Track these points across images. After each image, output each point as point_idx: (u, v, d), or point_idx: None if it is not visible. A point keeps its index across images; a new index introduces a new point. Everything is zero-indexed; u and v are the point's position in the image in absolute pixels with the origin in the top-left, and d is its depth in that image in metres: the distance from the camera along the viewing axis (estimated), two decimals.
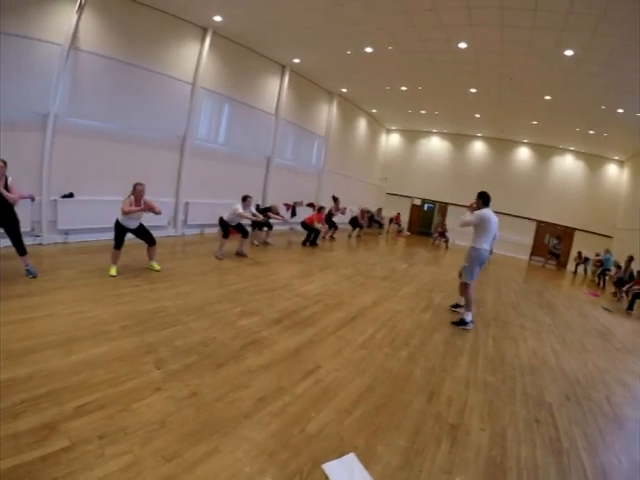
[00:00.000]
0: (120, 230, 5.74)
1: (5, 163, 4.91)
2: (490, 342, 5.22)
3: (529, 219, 17.25)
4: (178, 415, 2.73)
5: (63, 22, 6.98)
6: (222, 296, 5.39)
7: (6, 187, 4.93)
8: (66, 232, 7.49)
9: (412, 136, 20.20)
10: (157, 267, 6.16)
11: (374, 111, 17.41)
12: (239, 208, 7.62)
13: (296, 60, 11.38)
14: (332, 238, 12.49)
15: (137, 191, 5.73)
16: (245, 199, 7.81)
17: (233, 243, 8.09)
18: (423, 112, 15.71)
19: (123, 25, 7.89)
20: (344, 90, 14.37)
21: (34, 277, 5.22)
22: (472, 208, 5.74)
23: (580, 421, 3.49)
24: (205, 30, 9.29)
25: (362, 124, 17.56)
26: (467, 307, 5.75)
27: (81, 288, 5.02)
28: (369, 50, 9.54)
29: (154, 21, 8.35)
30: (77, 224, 7.57)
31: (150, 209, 5.85)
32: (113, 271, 5.65)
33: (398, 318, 5.63)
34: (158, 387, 3.03)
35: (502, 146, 17.84)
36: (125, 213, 5.62)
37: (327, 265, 8.58)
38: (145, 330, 3.99)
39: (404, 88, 12.45)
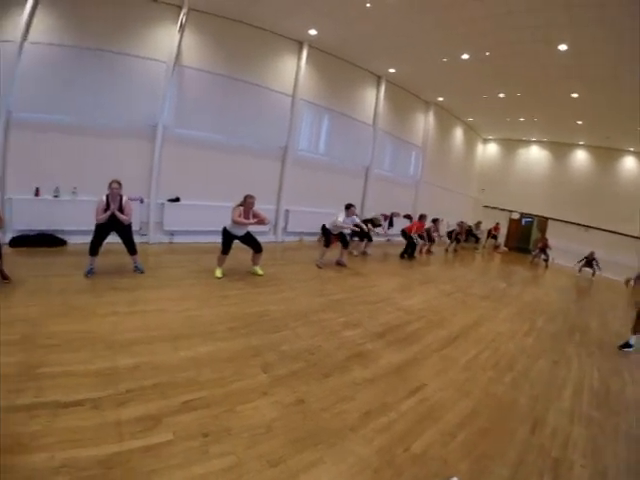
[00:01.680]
0: (228, 237, 5.83)
1: (120, 184, 5.16)
2: (595, 373, 4.59)
3: (637, 238, 14.82)
4: (284, 421, 2.61)
5: (167, 41, 7.59)
6: (325, 305, 5.26)
7: (120, 206, 5.19)
8: (171, 233, 7.95)
9: (510, 145, 18.90)
10: (260, 272, 6.19)
11: (470, 120, 16.60)
12: (341, 217, 7.45)
13: (391, 70, 11.16)
14: (429, 252, 11.96)
15: (247, 203, 5.78)
16: (349, 207, 7.57)
17: (332, 252, 7.94)
18: (522, 120, 14.67)
19: (222, 42, 8.29)
20: (440, 99, 13.86)
21: (142, 273, 5.46)
22: None
23: None
24: (301, 44, 9.45)
25: (458, 133, 16.81)
26: None
27: (188, 287, 5.16)
28: (465, 57, 9.09)
29: (252, 37, 8.63)
30: (181, 226, 8.00)
31: (260, 222, 5.89)
32: (218, 273, 5.76)
33: (501, 340, 5.17)
34: (265, 391, 2.93)
35: (607, 155, 15.93)
36: (235, 223, 5.69)
37: (426, 280, 8.19)
38: (252, 333, 3.95)
39: (502, 95, 11.70)
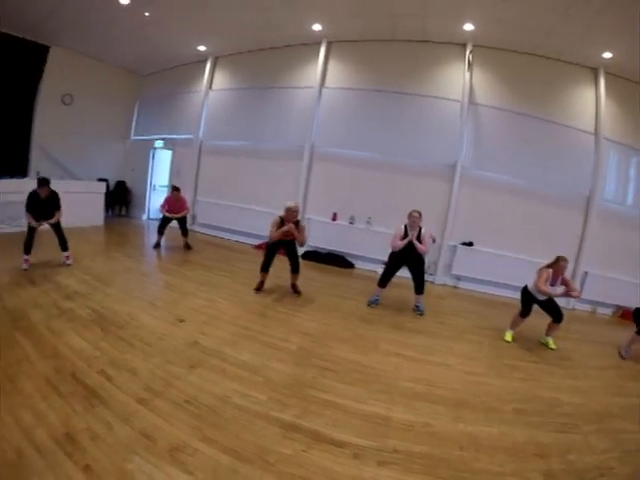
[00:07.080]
0: (528, 298, 4.94)
1: (420, 214, 5.20)
2: None
3: None
4: None
5: (458, 80, 7.65)
6: (624, 409, 3.66)
7: (419, 236, 5.20)
8: (458, 277, 7.65)
9: None
10: (553, 346, 4.93)
11: None
12: None
13: None
14: None
15: (559, 266, 4.68)
16: None
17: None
18: None
19: (510, 76, 7.76)
20: None
21: (421, 314, 5.34)
22: None
23: None
24: (596, 71, 7.77)
25: None
26: None
27: (474, 345, 4.63)
28: None
29: (538, 68, 7.73)
30: (470, 272, 7.58)
31: (569, 293, 4.74)
32: (509, 337, 4.95)
33: None
34: None
35: None
36: (539, 291, 4.73)
37: None
38: (539, 424, 3.07)
39: None
